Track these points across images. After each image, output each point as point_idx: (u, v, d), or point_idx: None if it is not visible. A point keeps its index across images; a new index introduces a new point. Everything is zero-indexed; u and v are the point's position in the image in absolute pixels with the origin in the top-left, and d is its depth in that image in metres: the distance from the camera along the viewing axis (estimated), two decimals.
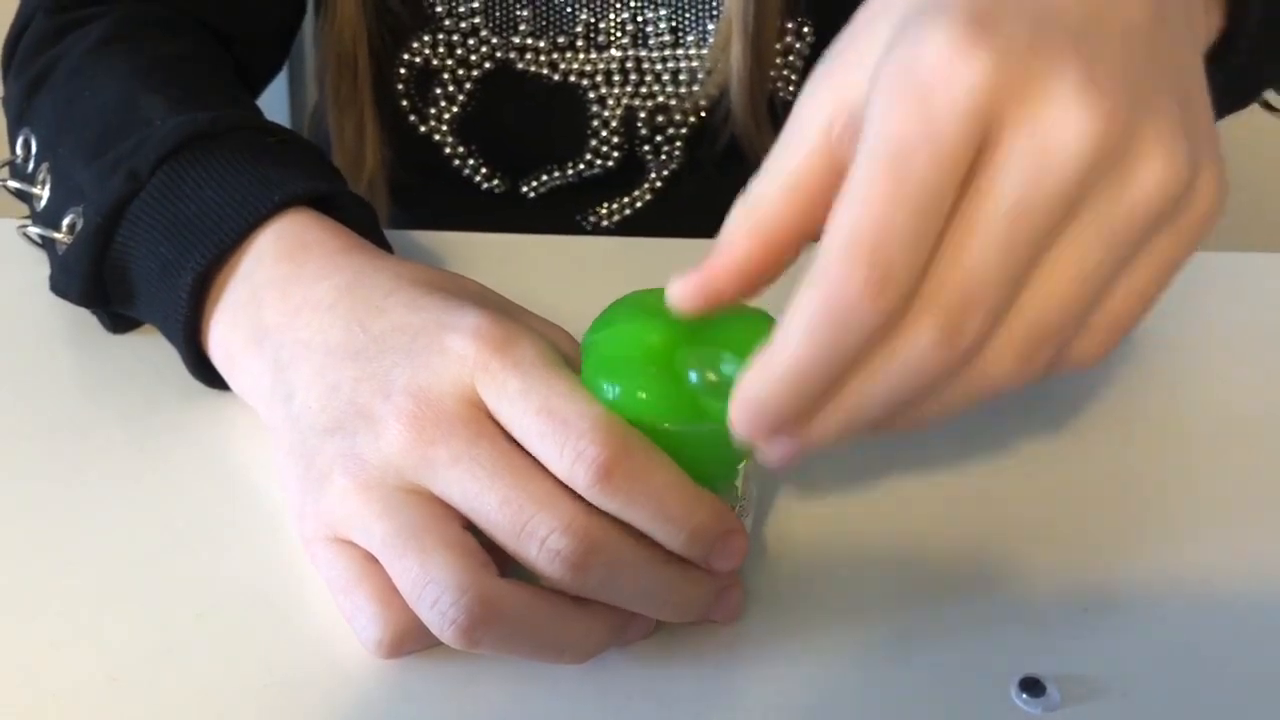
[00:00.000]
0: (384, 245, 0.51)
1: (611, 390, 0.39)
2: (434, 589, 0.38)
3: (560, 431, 0.38)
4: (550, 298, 0.47)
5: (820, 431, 0.35)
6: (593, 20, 0.71)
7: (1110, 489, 0.49)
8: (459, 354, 0.40)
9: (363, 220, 0.50)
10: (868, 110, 0.33)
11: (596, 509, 0.38)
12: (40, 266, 0.55)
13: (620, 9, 0.70)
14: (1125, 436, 0.51)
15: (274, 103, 0.76)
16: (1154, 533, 0.47)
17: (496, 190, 0.76)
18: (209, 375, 0.49)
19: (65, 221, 0.51)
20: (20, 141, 0.56)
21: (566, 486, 0.38)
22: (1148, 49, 0.34)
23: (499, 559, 0.39)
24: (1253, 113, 0.57)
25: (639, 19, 0.70)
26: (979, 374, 0.35)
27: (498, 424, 0.40)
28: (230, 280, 0.47)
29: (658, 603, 0.40)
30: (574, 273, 0.59)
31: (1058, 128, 0.32)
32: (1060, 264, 0.34)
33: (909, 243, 0.32)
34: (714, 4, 0.69)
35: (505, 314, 0.43)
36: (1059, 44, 0.33)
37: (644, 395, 0.39)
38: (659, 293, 0.38)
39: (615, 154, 0.74)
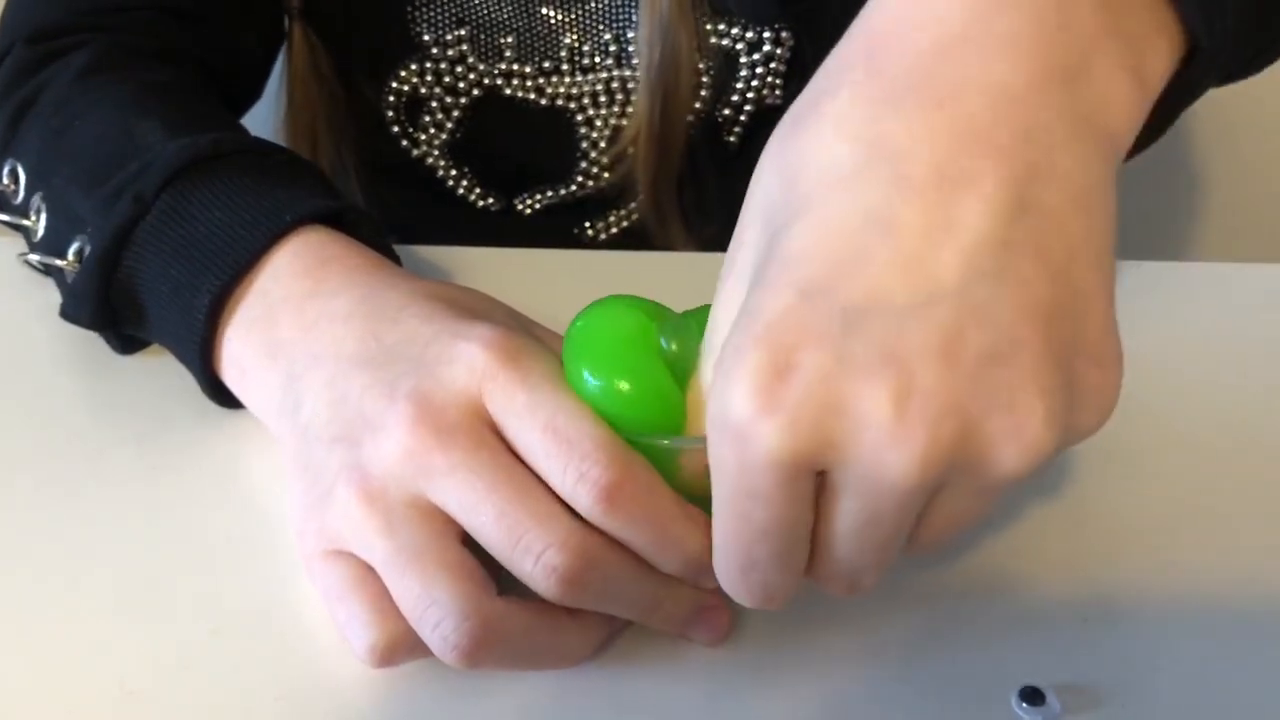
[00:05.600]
0: (394, 259, 0.51)
1: (592, 380, 0.40)
2: (436, 612, 0.38)
3: (565, 451, 0.38)
4: (550, 311, 0.47)
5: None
6: (576, 44, 0.71)
7: (1110, 499, 0.49)
8: (467, 364, 0.40)
9: (372, 235, 0.50)
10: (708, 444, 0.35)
11: (591, 525, 0.39)
12: (45, 288, 0.55)
13: (602, 30, 0.71)
14: (1125, 445, 0.51)
15: (273, 101, 0.76)
16: (1154, 543, 0.47)
17: (492, 208, 0.76)
18: (221, 394, 0.50)
19: (71, 249, 0.51)
20: (6, 171, 0.57)
21: (563, 501, 0.39)
22: (997, 293, 0.32)
23: (494, 564, 0.39)
24: (1251, 119, 0.57)
25: (621, 40, 0.71)
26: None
27: (500, 436, 0.40)
28: (244, 299, 0.47)
29: (645, 614, 0.41)
30: (573, 286, 0.60)
31: (877, 466, 0.32)
32: (931, 523, 0.36)
33: (775, 563, 0.36)
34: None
35: (519, 328, 0.44)
36: (867, 367, 0.32)
37: (625, 386, 0.39)
38: (640, 299, 0.41)
39: (606, 174, 0.74)
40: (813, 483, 0.34)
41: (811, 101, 0.35)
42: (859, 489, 0.33)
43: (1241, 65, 0.43)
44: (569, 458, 0.38)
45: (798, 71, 0.71)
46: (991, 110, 0.33)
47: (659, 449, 0.39)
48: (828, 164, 0.34)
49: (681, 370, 0.39)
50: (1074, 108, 0.34)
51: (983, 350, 0.32)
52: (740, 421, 0.33)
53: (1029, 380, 0.32)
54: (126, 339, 0.53)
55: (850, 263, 0.32)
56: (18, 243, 0.56)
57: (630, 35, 0.71)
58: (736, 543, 0.35)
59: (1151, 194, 1.13)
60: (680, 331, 0.40)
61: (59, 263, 0.51)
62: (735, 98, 0.72)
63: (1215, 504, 0.49)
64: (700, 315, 0.40)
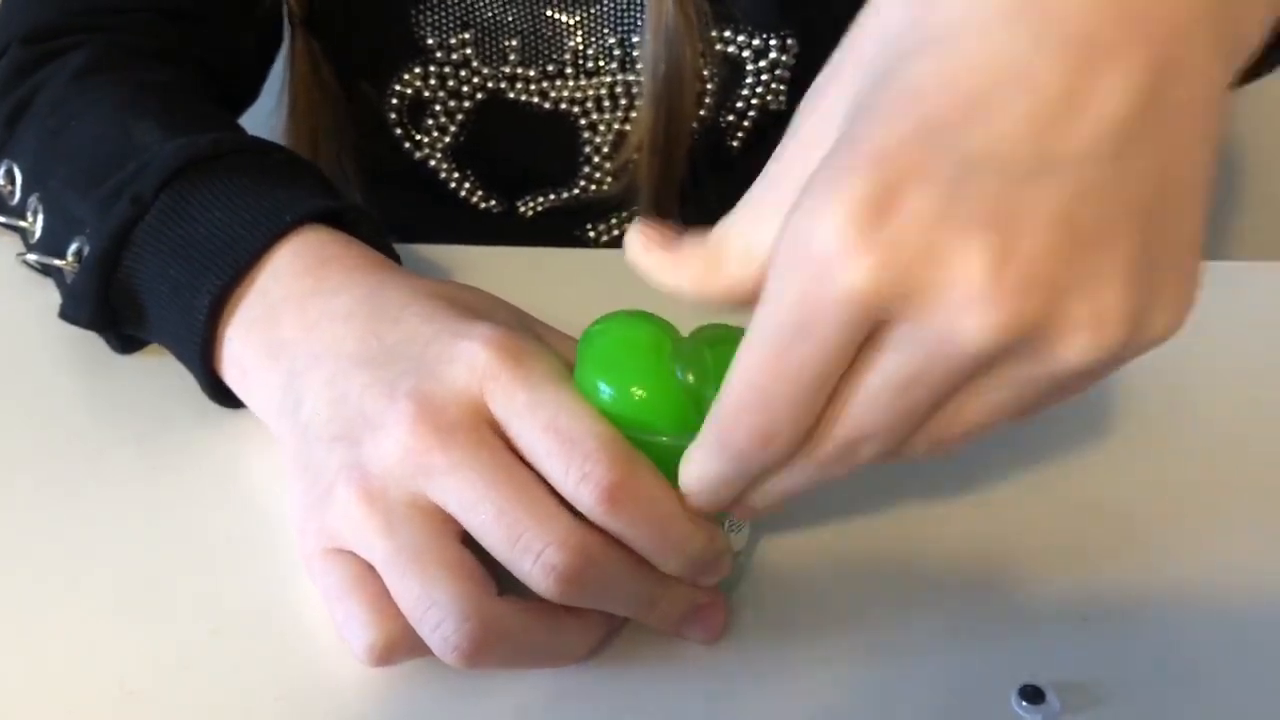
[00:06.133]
0: (394, 258, 0.51)
1: (606, 390, 0.39)
2: (436, 613, 0.38)
3: (567, 450, 0.38)
4: (551, 310, 0.48)
5: (754, 506, 0.39)
6: (581, 47, 0.71)
7: (1110, 497, 0.49)
8: (468, 362, 0.40)
9: (372, 234, 0.50)
10: (770, 268, 0.33)
11: (590, 524, 0.39)
12: (45, 288, 0.56)
13: (607, 34, 0.71)
14: (1125, 444, 0.51)
15: (268, 102, 0.76)
16: (1153, 541, 0.47)
17: (494, 210, 0.76)
18: (221, 393, 0.50)
19: (70, 250, 0.51)
20: (2, 172, 0.57)
21: (563, 501, 0.39)
22: (1112, 177, 0.32)
23: (494, 563, 0.39)
24: (1251, 119, 0.57)
25: (626, 44, 0.71)
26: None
27: (500, 435, 0.40)
28: (245, 298, 0.47)
29: (642, 612, 0.41)
30: (575, 285, 0.60)
31: (950, 327, 0.31)
32: (961, 410, 0.34)
33: (791, 408, 0.34)
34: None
35: (522, 327, 0.44)
36: (971, 222, 0.31)
37: (640, 393, 0.39)
38: (649, 315, 0.41)
39: (609, 179, 0.74)
40: (868, 330, 0.32)
41: None
42: (920, 346, 0.32)
43: None
44: (571, 457, 0.38)
45: (802, 78, 0.71)
46: None
47: (661, 447, 0.39)
48: (965, 6, 0.32)
49: (698, 402, 0.39)
50: (1220, 12, 0.33)
51: (1086, 232, 0.31)
52: (825, 253, 0.31)
53: (1119, 273, 0.31)
54: (126, 339, 0.53)
55: (981, 108, 0.31)
56: (17, 242, 0.56)
57: (635, 39, 0.71)
58: (761, 376, 0.33)
59: None
60: (695, 363, 0.39)
61: (57, 263, 0.51)
62: (740, 104, 0.72)
63: (1215, 503, 0.49)
64: (711, 338, 0.40)
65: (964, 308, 0.31)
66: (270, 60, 0.74)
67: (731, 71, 0.71)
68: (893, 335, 0.32)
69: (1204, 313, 0.58)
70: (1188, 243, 0.33)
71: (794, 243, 0.32)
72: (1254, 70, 0.38)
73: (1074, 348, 0.32)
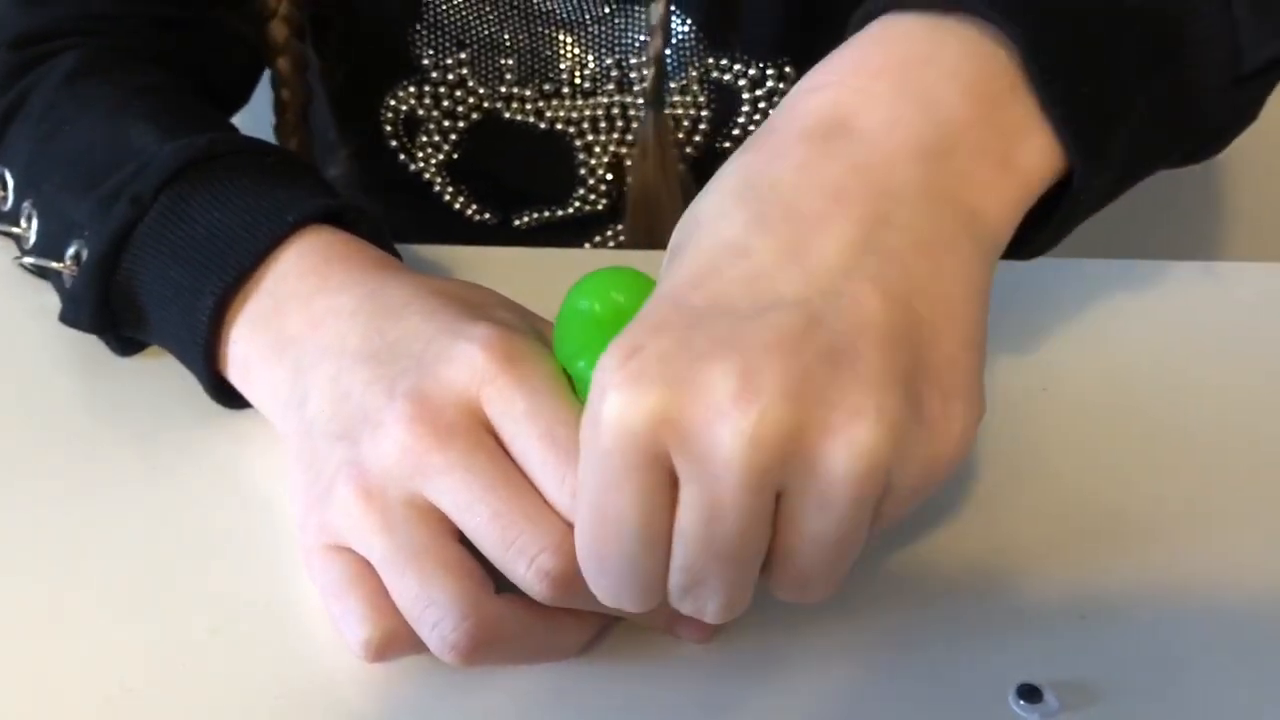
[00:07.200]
0: (395, 256, 0.51)
1: (584, 365, 0.40)
2: (434, 612, 0.39)
3: (562, 462, 0.39)
4: (550, 311, 0.48)
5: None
6: (577, 67, 0.72)
7: (1108, 496, 0.49)
8: (467, 363, 0.41)
9: (373, 233, 0.50)
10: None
11: None
12: (45, 289, 0.56)
13: (604, 55, 0.71)
14: (1124, 443, 0.51)
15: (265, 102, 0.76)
16: (1152, 540, 0.47)
17: (489, 223, 0.76)
18: (223, 394, 0.50)
19: (69, 253, 0.51)
20: None
21: None
22: (840, 305, 0.35)
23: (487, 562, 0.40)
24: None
25: (624, 65, 0.71)
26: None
27: (496, 437, 0.40)
28: (249, 299, 0.48)
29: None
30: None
31: (711, 444, 0.34)
32: (786, 545, 0.36)
33: (625, 563, 0.36)
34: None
35: (524, 325, 0.44)
36: (706, 353, 0.34)
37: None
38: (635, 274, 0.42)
39: (604, 200, 0.75)
40: (665, 479, 0.35)
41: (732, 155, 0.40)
42: (698, 472, 0.34)
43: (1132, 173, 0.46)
44: (567, 470, 0.39)
45: None
46: (852, 172, 0.38)
47: None
48: (714, 204, 0.39)
49: None
50: (930, 179, 0.38)
51: (820, 349, 0.34)
52: (593, 403, 0.35)
53: (862, 383, 0.34)
54: (126, 341, 0.53)
55: (705, 277, 0.36)
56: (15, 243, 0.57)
57: (633, 61, 0.71)
58: (592, 538, 0.36)
59: (1151, 194, 1.14)
60: None
61: (55, 266, 0.52)
62: (736, 132, 0.73)
63: (1214, 503, 0.49)
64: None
65: (716, 421, 0.33)
66: (261, 67, 0.73)
67: (727, 99, 0.72)
68: (679, 469, 0.35)
69: (1204, 314, 0.59)
70: (943, 363, 0.36)
71: (588, 406, 0.36)
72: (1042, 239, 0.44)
73: (836, 456, 0.34)
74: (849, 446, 0.33)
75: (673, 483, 0.35)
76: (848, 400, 0.34)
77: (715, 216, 0.38)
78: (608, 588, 0.37)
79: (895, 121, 0.39)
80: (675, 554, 0.36)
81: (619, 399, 0.34)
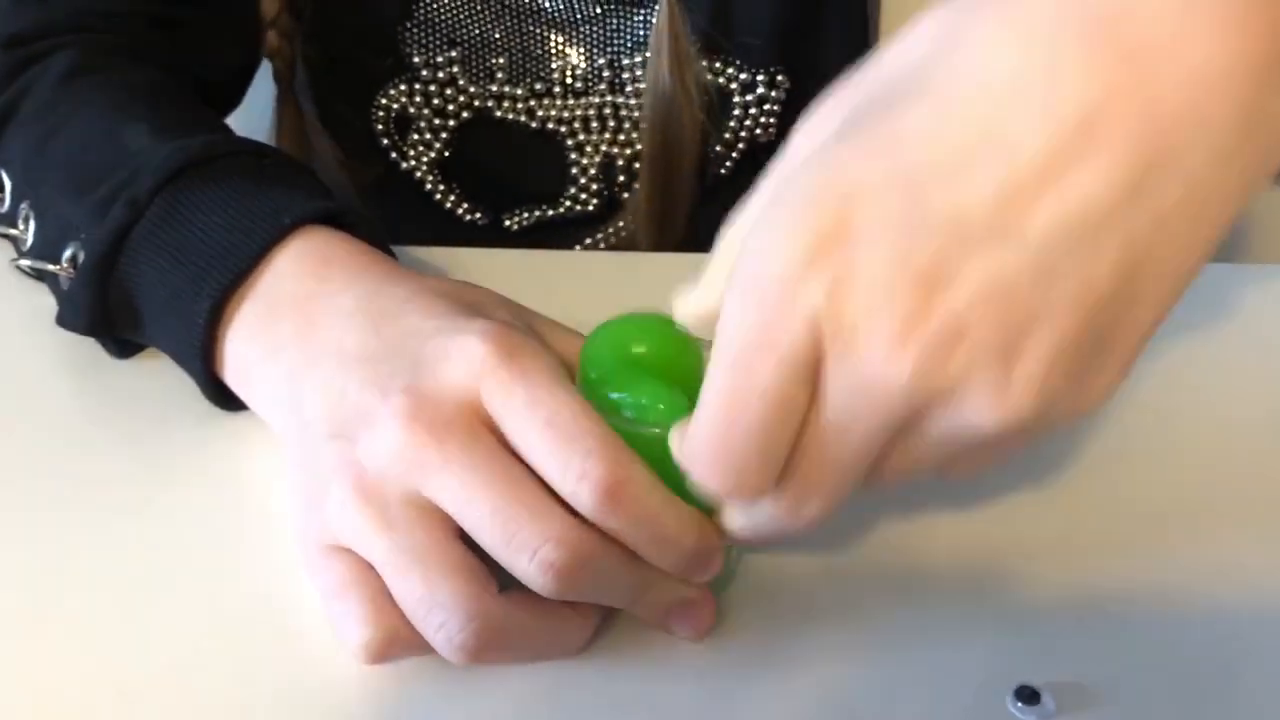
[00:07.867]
0: (393, 258, 0.51)
1: (615, 396, 0.40)
2: (439, 613, 0.39)
3: (566, 449, 0.39)
4: (547, 311, 0.48)
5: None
6: (569, 66, 0.72)
7: (1106, 498, 0.49)
8: (465, 360, 0.40)
9: (370, 234, 0.50)
10: (723, 306, 0.35)
11: (585, 520, 0.39)
12: (43, 290, 0.55)
13: (596, 55, 0.71)
14: (1123, 444, 0.51)
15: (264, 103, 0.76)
16: (1150, 542, 0.47)
17: (480, 223, 0.76)
18: (221, 396, 0.50)
19: (65, 255, 0.51)
20: None
21: (557, 496, 0.39)
22: (1066, 262, 0.32)
23: (488, 556, 0.40)
24: None
25: (615, 65, 0.71)
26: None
27: (495, 432, 0.40)
28: (245, 301, 0.47)
29: (630, 602, 0.41)
30: (568, 287, 0.60)
31: (873, 363, 0.33)
32: (900, 455, 0.36)
33: (757, 444, 0.35)
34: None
35: (522, 323, 0.44)
36: (909, 273, 0.33)
37: (645, 402, 0.40)
38: (653, 316, 0.42)
39: (595, 200, 0.75)
40: (813, 357, 0.34)
41: None
42: (848, 383, 0.34)
43: None
44: (570, 455, 0.38)
45: (793, 111, 0.71)
46: (1164, 82, 0.32)
47: (648, 438, 0.39)
48: (985, 60, 0.33)
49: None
50: (1248, 113, 0.32)
51: (1024, 307, 0.33)
52: (785, 275, 0.33)
53: (1046, 352, 0.33)
54: (123, 343, 0.53)
55: (956, 168, 0.32)
56: (11, 245, 0.56)
57: (626, 61, 0.71)
58: (729, 403, 0.35)
59: None
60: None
61: (51, 268, 0.51)
62: (728, 135, 0.73)
63: (1213, 503, 0.49)
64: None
65: (889, 344, 0.33)
66: (255, 67, 0.73)
67: (720, 102, 0.72)
68: (829, 374, 0.34)
69: (1205, 315, 0.59)
70: (1129, 343, 0.35)
71: (755, 267, 0.34)
72: None
73: (980, 410, 0.34)
74: (996, 405, 0.33)
75: (815, 373, 0.34)
76: (1019, 368, 0.33)
77: (978, 84, 0.33)
78: (726, 460, 0.36)
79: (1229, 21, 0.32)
80: (803, 443, 0.36)
81: (819, 291, 0.33)
